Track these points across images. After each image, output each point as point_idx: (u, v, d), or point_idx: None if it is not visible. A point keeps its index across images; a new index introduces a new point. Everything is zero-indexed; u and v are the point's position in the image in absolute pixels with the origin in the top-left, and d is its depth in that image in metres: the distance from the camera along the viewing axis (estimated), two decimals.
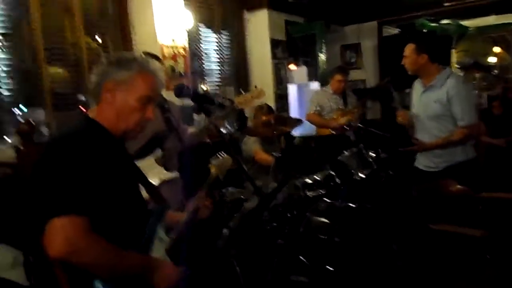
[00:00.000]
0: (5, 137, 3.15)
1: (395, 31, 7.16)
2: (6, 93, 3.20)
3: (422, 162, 3.12)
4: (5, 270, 2.20)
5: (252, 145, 3.72)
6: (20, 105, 3.34)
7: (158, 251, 1.46)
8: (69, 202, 1.25)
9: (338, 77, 4.47)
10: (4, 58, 3.18)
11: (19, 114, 3.37)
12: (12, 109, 3.32)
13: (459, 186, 2.47)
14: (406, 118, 3.07)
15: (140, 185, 1.63)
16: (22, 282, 2.21)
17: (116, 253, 1.31)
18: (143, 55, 1.52)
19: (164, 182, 2.43)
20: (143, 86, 1.46)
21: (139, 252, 1.41)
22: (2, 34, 3.17)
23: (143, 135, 2.34)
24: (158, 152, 2.45)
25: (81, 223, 1.25)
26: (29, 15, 3.32)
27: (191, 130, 2.62)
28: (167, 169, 2.47)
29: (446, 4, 5.97)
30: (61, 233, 1.21)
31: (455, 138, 2.88)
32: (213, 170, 1.70)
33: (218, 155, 1.79)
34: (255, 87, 5.17)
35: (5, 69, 3.18)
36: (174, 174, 2.50)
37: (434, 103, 2.93)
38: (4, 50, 3.18)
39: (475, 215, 2.21)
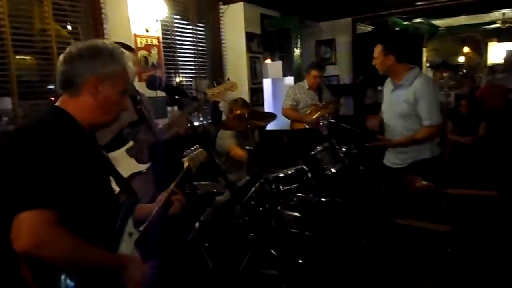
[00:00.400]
0: None
1: (369, 28, 7.26)
2: None
3: (389, 159, 3.21)
4: None
5: (226, 139, 3.71)
6: None
7: (127, 245, 1.44)
8: (36, 195, 1.22)
9: (314, 72, 4.51)
10: None
11: None
12: None
13: (424, 182, 2.54)
14: (376, 124, 3.18)
15: (110, 177, 1.60)
16: None
17: (84, 248, 1.28)
18: (115, 45, 1.46)
19: (135, 175, 2.42)
20: (124, 79, 1.46)
21: (108, 246, 1.38)
22: None
23: (113, 127, 2.32)
24: (129, 144, 2.42)
25: (48, 217, 1.22)
26: None
27: (163, 122, 2.58)
28: (138, 161, 2.44)
29: (418, 3, 6.08)
30: (27, 227, 1.19)
31: (419, 137, 2.98)
32: (186, 163, 1.69)
33: (192, 148, 1.77)
34: (228, 79, 5.15)
35: None
36: (145, 166, 2.48)
37: (403, 102, 3.00)
38: None
39: (440, 210, 2.28)
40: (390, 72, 3.07)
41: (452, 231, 2.04)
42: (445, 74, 4.71)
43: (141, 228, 1.51)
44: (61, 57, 1.43)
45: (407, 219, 2.28)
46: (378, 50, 3.04)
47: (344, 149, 3.36)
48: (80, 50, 1.41)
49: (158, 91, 1.77)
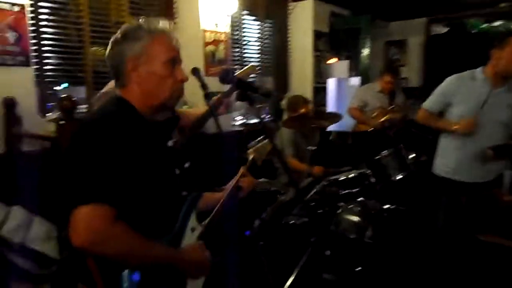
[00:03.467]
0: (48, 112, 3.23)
1: (444, 29, 6.89)
2: (50, 69, 3.26)
3: (470, 173, 2.78)
4: (39, 242, 2.25)
5: (284, 144, 3.65)
6: (63, 82, 3.42)
7: (190, 241, 1.42)
8: (94, 190, 1.20)
9: (387, 78, 4.35)
10: (50, 35, 3.24)
11: (61, 90, 3.46)
12: (55, 85, 3.41)
13: None
14: (471, 127, 2.69)
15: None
16: (54, 256, 2.27)
17: (142, 245, 1.26)
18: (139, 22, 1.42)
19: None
20: (162, 49, 1.37)
21: (170, 242, 1.36)
22: (50, 12, 3.22)
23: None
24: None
25: (106, 212, 1.19)
26: None
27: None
28: None
29: (502, 5, 5.66)
30: (84, 222, 1.17)
31: None
32: (251, 154, 1.66)
33: (258, 140, 1.74)
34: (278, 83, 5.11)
35: (51, 45, 3.24)
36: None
37: (507, 108, 2.70)
38: (50, 27, 3.24)
39: None
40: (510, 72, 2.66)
41: None
42: None
43: (204, 223, 1.49)
44: (108, 52, 1.41)
45: (491, 235, 2.10)
46: None
47: (411, 156, 3.21)
48: (112, 41, 1.40)
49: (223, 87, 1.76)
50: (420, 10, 6.13)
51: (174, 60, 1.39)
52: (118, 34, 1.38)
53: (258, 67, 5.18)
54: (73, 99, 2.49)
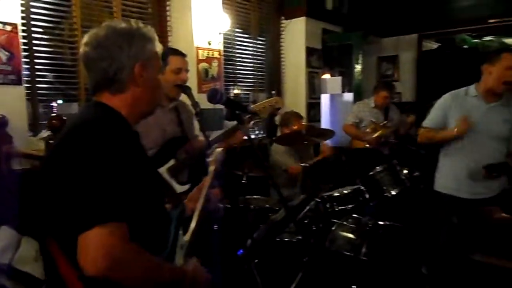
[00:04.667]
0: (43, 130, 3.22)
1: (434, 45, 6.97)
2: (44, 86, 3.26)
3: (469, 189, 2.76)
4: (28, 263, 2.21)
5: (282, 156, 3.65)
6: (58, 99, 3.42)
7: (180, 258, 1.37)
8: (106, 207, 1.05)
9: (383, 93, 4.39)
10: (44, 53, 3.24)
11: (55, 107, 3.45)
12: (50, 102, 3.41)
13: (504, 214, 2.31)
14: (465, 125, 2.65)
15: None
16: (41, 276, 2.22)
17: (159, 265, 1.16)
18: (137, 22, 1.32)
19: None
20: (159, 56, 1.32)
21: (167, 259, 1.28)
22: (44, 30, 3.24)
23: (154, 141, 2.29)
24: (170, 163, 2.34)
25: (122, 232, 1.06)
26: (71, 12, 3.38)
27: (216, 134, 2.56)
28: (178, 181, 2.34)
29: (491, 21, 5.75)
30: (100, 246, 1.02)
31: None
32: (212, 165, 1.61)
33: (212, 150, 1.69)
34: (272, 93, 5.13)
35: (45, 63, 3.24)
36: (184, 188, 2.35)
37: (502, 122, 2.69)
38: (44, 45, 3.25)
39: None
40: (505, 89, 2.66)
41: None
42: None
43: (185, 238, 1.41)
44: (90, 51, 1.24)
45: (484, 255, 2.08)
46: None
47: (405, 171, 3.20)
48: (108, 39, 1.23)
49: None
50: (412, 26, 6.20)
51: (157, 56, 1.34)
52: (116, 33, 1.23)
53: (252, 84, 5.21)
54: (63, 117, 2.48)
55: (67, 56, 3.43)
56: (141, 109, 1.31)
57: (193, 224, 1.44)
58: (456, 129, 2.68)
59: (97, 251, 1.02)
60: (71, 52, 3.43)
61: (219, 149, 1.60)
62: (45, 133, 3.06)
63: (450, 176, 2.84)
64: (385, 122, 4.29)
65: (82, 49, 1.27)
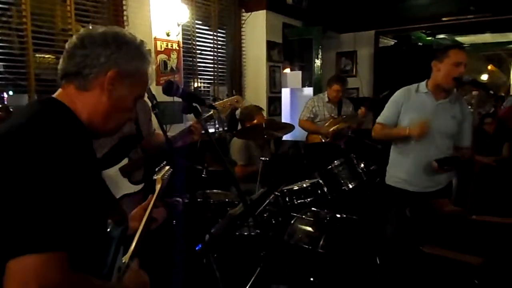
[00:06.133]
0: None
1: (391, 42, 7.16)
2: None
3: (416, 183, 2.84)
4: None
5: (236, 153, 3.63)
6: (7, 90, 3.24)
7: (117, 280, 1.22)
8: (46, 234, 0.90)
9: (336, 86, 4.44)
10: None
11: (4, 98, 3.27)
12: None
13: (453, 206, 2.41)
14: (423, 128, 2.69)
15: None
16: None
17: None
18: (142, 40, 1.23)
19: (124, 196, 2.26)
20: (145, 83, 1.21)
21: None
22: None
23: (109, 139, 2.17)
24: (123, 161, 2.28)
25: (63, 261, 0.91)
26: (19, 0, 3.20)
27: (179, 129, 2.51)
28: (131, 181, 2.30)
29: (444, 19, 5.96)
30: (33, 278, 0.87)
31: (467, 157, 2.79)
32: (158, 183, 1.52)
33: (160, 167, 1.60)
34: (233, 93, 5.10)
35: None
36: (137, 188, 2.33)
37: (451, 119, 2.78)
38: None
39: (468, 238, 2.15)
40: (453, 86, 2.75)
41: (486, 264, 1.90)
42: (474, 93, 4.57)
43: (123, 260, 1.26)
44: (75, 38, 1.14)
45: (433, 247, 2.15)
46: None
47: (362, 165, 3.27)
48: (104, 35, 1.13)
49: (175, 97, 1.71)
50: (369, 23, 6.34)
51: (140, 97, 1.24)
52: (110, 33, 1.15)
53: (213, 78, 5.15)
54: (10, 109, 2.35)
55: (15, 45, 3.26)
56: (99, 122, 1.16)
57: (133, 246, 1.30)
58: (408, 130, 2.75)
59: (27, 281, 0.87)
60: (20, 40, 3.25)
61: (166, 167, 1.52)
62: None
63: (400, 170, 2.91)
64: (343, 116, 4.37)
65: (72, 37, 1.17)
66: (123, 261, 1.23)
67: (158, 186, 1.39)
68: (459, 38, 8.26)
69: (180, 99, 1.49)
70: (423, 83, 2.85)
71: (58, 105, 1.11)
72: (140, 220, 1.37)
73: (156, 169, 1.51)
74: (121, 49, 1.13)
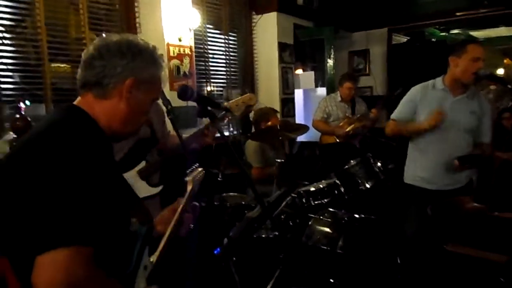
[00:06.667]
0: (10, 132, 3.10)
1: (404, 39, 7.09)
2: (9, 87, 3.13)
3: (436, 181, 2.80)
4: None
5: (251, 156, 3.62)
6: (23, 100, 3.29)
7: (142, 280, 1.25)
8: (72, 229, 0.98)
9: (348, 84, 4.41)
10: (7, 53, 3.11)
11: (21, 108, 3.32)
12: (15, 104, 3.27)
13: (475, 204, 2.36)
14: (438, 119, 2.65)
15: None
16: None
17: None
18: (155, 46, 1.31)
19: (144, 199, 2.28)
20: (159, 87, 1.29)
21: (126, 280, 1.20)
22: (6, 29, 3.11)
23: (124, 142, 2.22)
24: (141, 164, 2.30)
25: (86, 256, 1.00)
26: (33, 10, 3.25)
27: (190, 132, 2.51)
28: (149, 183, 2.31)
29: (457, 13, 5.88)
30: (61, 271, 0.96)
31: (488, 154, 2.75)
32: (190, 184, 1.49)
33: (193, 167, 1.59)
34: (246, 91, 5.09)
35: (8, 63, 3.11)
36: (156, 190, 2.34)
37: (470, 114, 2.73)
38: (7, 44, 3.12)
39: (490, 236, 2.10)
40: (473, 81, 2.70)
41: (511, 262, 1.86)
42: (492, 87, 4.49)
43: (151, 259, 1.29)
44: (93, 49, 1.20)
45: (457, 245, 2.11)
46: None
47: (379, 164, 3.24)
48: (119, 45, 1.20)
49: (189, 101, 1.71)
50: (381, 20, 6.29)
51: (156, 99, 1.32)
52: (124, 42, 1.21)
53: (225, 81, 5.16)
54: (28, 119, 2.38)
55: (31, 55, 3.31)
56: (120, 128, 1.24)
57: (161, 246, 1.30)
58: (427, 122, 2.69)
59: (56, 274, 0.96)
60: (35, 51, 3.30)
61: (199, 169, 1.52)
62: (10, 136, 2.95)
63: (419, 168, 2.87)
64: (358, 115, 4.33)
65: (88, 47, 1.24)
66: (151, 260, 1.27)
67: (189, 188, 1.38)
68: (473, 33, 8.14)
69: (194, 104, 1.49)
70: (439, 79, 2.80)
71: (77, 111, 1.19)
72: (168, 222, 1.37)
73: (188, 170, 1.51)
74: (136, 58, 1.20)
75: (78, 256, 0.98)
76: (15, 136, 2.42)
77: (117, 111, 1.21)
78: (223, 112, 2.24)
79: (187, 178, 1.40)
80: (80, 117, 1.18)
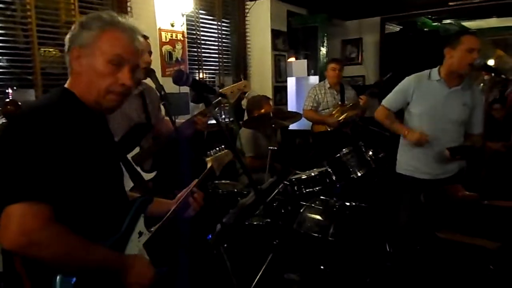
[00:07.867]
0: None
1: (397, 28, 7.09)
2: None
3: (427, 170, 2.83)
4: None
5: (245, 145, 3.62)
6: (13, 85, 3.24)
7: (135, 245, 1.33)
8: (30, 186, 1.09)
9: (332, 65, 4.40)
10: None
11: (9, 94, 3.27)
12: (4, 89, 3.22)
13: (467, 192, 2.39)
14: (421, 140, 2.73)
15: (124, 172, 1.49)
16: None
17: (82, 247, 1.16)
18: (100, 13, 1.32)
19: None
20: (109, 45, 1.26)
21: (114, 245, 1.27)
22: None
23: (120, 128, 2.22)
24: (135, 150, 2.30)
25: (42, 211, 1.09)
26: None
27: (182, 119, 2.49)
28: (143, 169, 2.31)
29: (451, 3, 5.88)
30: (17, 222, 1.07)
31: (478, 146, 2.77)
32: (209, 163, 1.56)
33: (217, 148, 1.65)
34: (242, 78, 5.08)
35: None
36: (150, 175, 2.35)
37: (462, 106, 2.75)
38: None
39: (482, 223, 2.14)
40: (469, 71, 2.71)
41: (502, 249, 1.90)
42: (486, 77, 4.51)
43: (152, 229, 1.39)
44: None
45: (449, 232, 2.14)
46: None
47: (370, 153, 3.26)
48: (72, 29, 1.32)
49: (181, 87, 1.70)
50: (374, 9, 6.27)
51: (121, 60, 1.27)
52: (78, 22, 1.31)
53: (218, 68, 5.13)
54: (18, 103, 2.34)
55: (20, 39, 3.25)
56: (84, 96, 1.29)
57: (164, 219, 1.40)
58: (410, 137, 2.77)
59: (15, 228, 1.07)
60: (24, 34, 3.24)
61: (225, 150, 1.56)
62: (0, 120, 2.91)
63: (411, 158, 2.89)
64: (351, 104, 4.32)
65: None
66: (151, 229, 1.37)
67: (208, 165, 1.44)
68: (465, 23, 8.16)
69: (185, 91, 1.48)
70: (435, 70, 2.81)
71: (61, 90, 1.30)
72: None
73: (212, 151, 1.57)
74: (78, 28, 1.28)
75: (32, 211, 1.08)
76: (5, 120, 2.39)
77: (78, 81, 1.29)
78: (218, 98, 2.23)
79: (208, 158, 1.44)
80: (62, 96, 1.28)
